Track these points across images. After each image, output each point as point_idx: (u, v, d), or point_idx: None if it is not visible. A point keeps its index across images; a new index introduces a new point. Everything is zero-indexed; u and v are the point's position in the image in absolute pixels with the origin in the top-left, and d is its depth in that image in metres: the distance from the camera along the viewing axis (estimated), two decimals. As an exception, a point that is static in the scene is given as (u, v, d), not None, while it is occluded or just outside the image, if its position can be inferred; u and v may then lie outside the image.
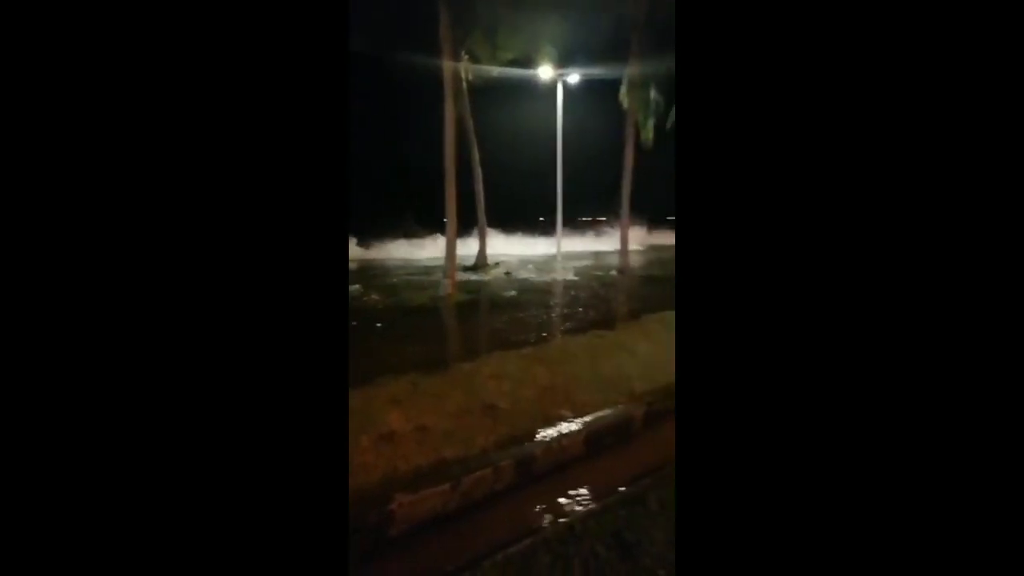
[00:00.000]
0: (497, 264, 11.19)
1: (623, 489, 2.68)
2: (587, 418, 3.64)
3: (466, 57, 9.93)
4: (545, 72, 11.46)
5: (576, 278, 9.12)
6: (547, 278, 9.47)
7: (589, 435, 3.43)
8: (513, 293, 8.05)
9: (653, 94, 10.49)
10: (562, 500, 2.74)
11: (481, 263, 11.14)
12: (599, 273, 9.75)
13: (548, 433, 3.36)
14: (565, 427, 3.46)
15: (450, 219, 7.94)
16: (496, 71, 10.22)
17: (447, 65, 7.74)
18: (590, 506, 2.54)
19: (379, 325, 6.39)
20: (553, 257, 12.06)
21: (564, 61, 11.52)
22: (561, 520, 2.38)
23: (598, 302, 7.40)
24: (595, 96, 12.90)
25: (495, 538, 2.12)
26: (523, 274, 9.94)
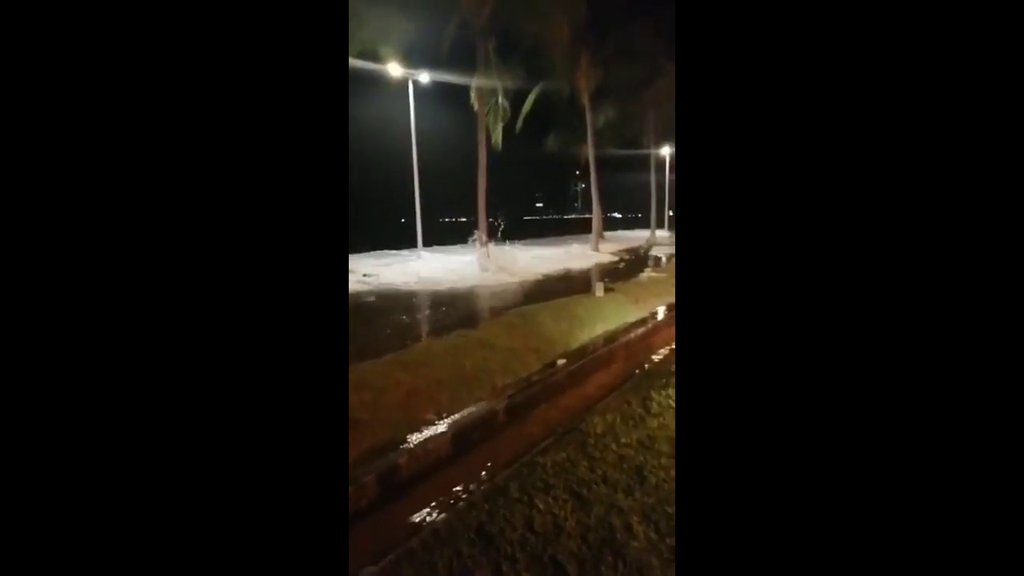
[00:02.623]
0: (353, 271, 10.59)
1: (486, 484, 2.74)
2: (452, 418, 3.66)
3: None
4: (394, 69, 11.18)
5: (438, 278, 9.06)
6: (409, 280, 9.23)
7: (455, 435, 3.45)
8: (372, 299, 7.70)
9: (501, 100, 10.93)
10: (427, 506, 2.71)
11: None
12: (463, 272, 9.81)
13: (413, 439, 3.29)
14: (430, 430, 3.43)
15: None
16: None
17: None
18: (457, 505, 2.54)
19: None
20: (417, 257, 11.82)
21: (413, 61, 11.38)
22: (426, 526, 2.35)
23: (462, 302, 7.48)
24: (446, 98, 12.99)
25: (358, 560, 2.01)
26: (386, 277, 9.54)
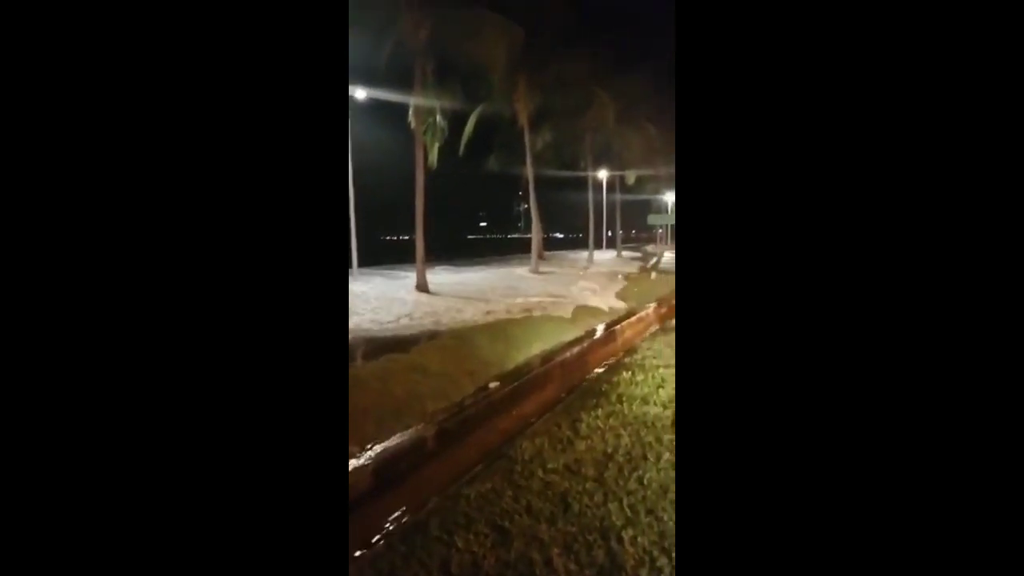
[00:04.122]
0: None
1: (405, 520, 2.59)
2: (375, 449, 3.45)
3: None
4: (329, 85, 10.89)
5: (375, 299, 8.74)
6: (353, 302, 8.79)
7: (377, 467, 3.25)
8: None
9: (439, 120, 10.91)
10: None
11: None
12: (400, 293, 9.54)
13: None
14: (351, 463, 3.21)
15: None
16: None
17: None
18: (375, 547, 2.36)
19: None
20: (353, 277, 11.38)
21: (350, 78, 11.14)
22: None
23: (396, 324, 7.23)
24: (382, 116, 12.82)
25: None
26: None
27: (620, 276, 14.34)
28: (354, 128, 12.16)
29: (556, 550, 2.15)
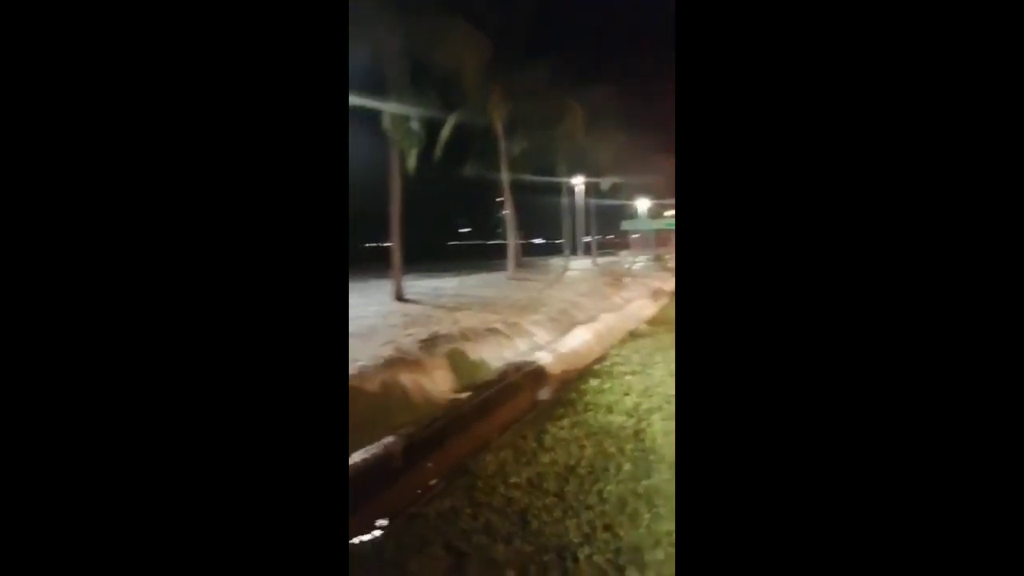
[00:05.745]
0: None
1: (358, 541, 2.53)
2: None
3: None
4: (301, 91, 10.74)
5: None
6: None
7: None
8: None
9: (415, 126, 10.85)
10: None
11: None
12: (380, 304, 9.41)
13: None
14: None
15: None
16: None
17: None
18: None
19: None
20: None
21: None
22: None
23: (373, 334, 7.12)
24: (358, 122, 12.69)
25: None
26: None
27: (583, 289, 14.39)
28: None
29: (511, 572, 2.13)
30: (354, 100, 11.58)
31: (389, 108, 10.48)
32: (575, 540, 2.33)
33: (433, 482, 3.17)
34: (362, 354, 5.17)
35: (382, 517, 2.84)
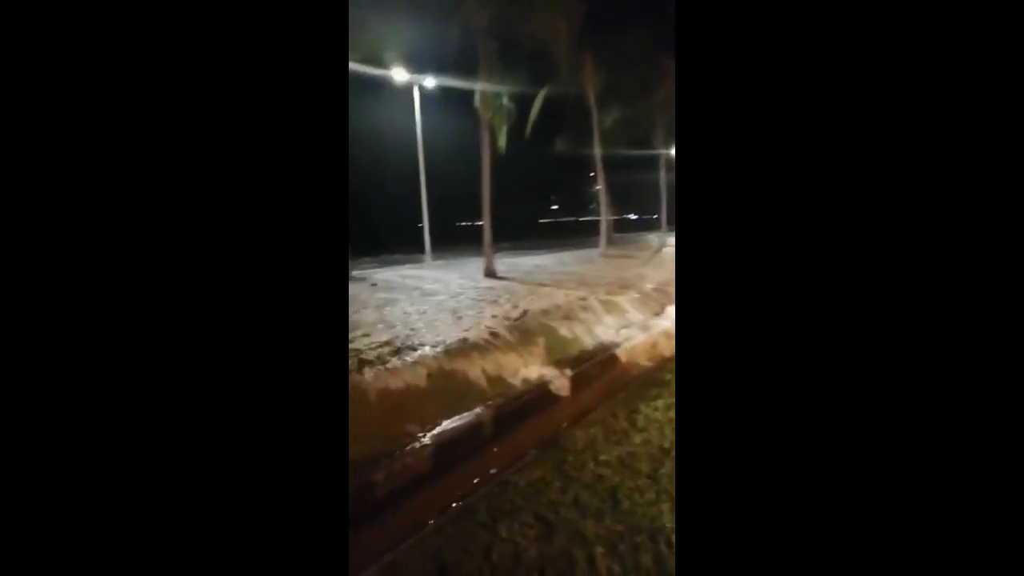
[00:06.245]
0: (364, 277, 10.62)
1: (455, 504, 2.64)
2: (436, 431, 3.57)
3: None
4: (399, 75, 11.20)
5: (439, 287, 8.98)
6: (426, 287, 9.11)
7: (436, 449, 3.36)
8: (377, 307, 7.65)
9: (505, 102, 10.84)
10: (391, 531, 2.62)
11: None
12: (471, 280, 9.72)
13: (392, 454, 3.21)
14: (411, 444, 3.34)
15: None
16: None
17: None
18: (420, 531, 2.45)
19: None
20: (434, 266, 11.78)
21: (416, 66, 11.37)
22: (385, 558, 2.25)
23: (474, 310, 7.37)
24: (452, 102, 12.97)
25: None
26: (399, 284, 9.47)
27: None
28: (423, 117, 12.47)
29: (600, 548, 2.09)
30: (445, 81, 11.85)
31: (479, 87, 10.57)
32: (669, 525, 2.22)
33: (522, 453, 3.22)
34: (451, 331, 5.37)
35: (473, 481, 2.95)
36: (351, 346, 4.72)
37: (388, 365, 4.26)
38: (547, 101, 13.01)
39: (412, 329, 5.42)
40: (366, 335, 5.14)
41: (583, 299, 7.40)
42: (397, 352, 4.57)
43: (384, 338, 5.02)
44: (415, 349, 4.68)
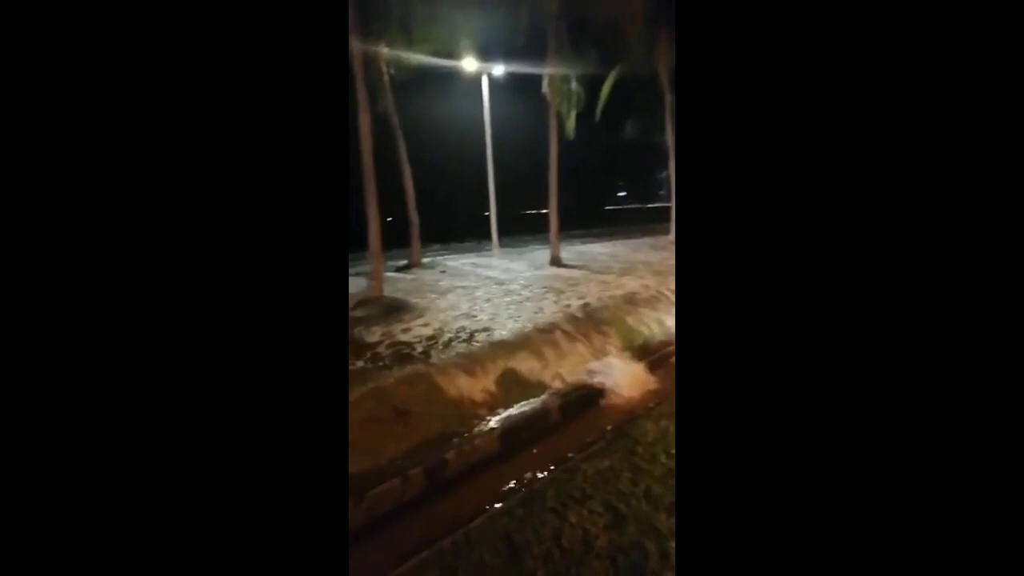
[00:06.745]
0: (434, 264, 10.97)
1: (524, 489, 2.68)
2: (503, 415, 3.63)
3: (386, 50, 9.59)
4: (469, 64, 11.32)
5: (505, 276, 9.05)
6: (493, 275, 9.25)
7: (504, 432, 3.42)
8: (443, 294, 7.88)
9: (574, 87, 10.64)
10: (464, 507, 2.70)
11: (414, 262, 10.89)
12: (538, 269, 9.73)
13: (463, 435, 3.31)
14: (480, 427, 3.43)
15: (371, 218, 7.66)
16: (417, 60, 9.92)
17: (357, 55, 7.40)
18: (491, 509, 2.51)
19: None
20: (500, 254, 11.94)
21: (485, 55, 11.42)
22: (458, 529, 2.34)
23: (541, 298, 7.39)
24: (520, 90, 12.92)
25: (388, 556, 2.05)
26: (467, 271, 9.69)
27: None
28: (492, 105, 12.53)
29: (674, 543, 2.03)
30: (513, 68, 11.81)
31: (548, 71, 10.43)
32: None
33: (590, 440, 3.19)
34: (517, 319, 5.40)
35: (539, 467, 2.97)
36: (419, 333, 4.90)
37: (457, 351, 4.39)
38: (618, 84, 12.58)
39: (478, 317, 5.53)
40: (427, 324, 5.32)
41: (651, 287, 7.16)
42: (471, 337, 4.68)
43: (453, 325, 5.16)
44: (480, 336, 4.77)
